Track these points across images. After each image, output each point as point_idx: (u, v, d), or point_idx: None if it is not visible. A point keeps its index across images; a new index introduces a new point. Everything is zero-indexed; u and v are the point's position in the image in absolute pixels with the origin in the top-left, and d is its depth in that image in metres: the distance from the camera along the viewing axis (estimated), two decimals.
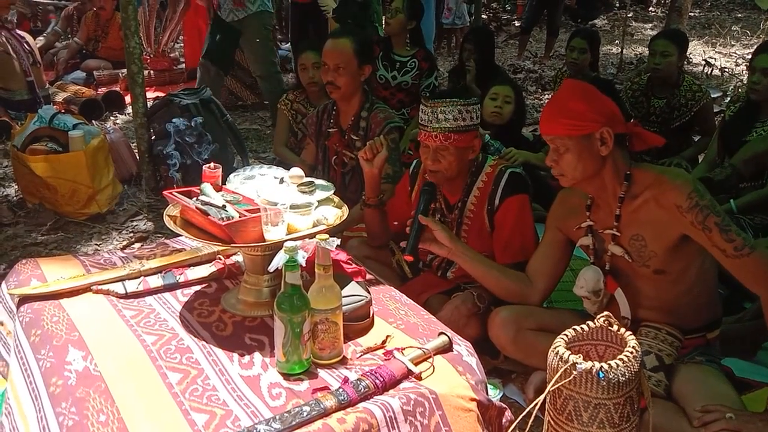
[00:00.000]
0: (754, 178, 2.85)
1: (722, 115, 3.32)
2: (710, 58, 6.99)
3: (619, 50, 7.16)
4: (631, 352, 1.34)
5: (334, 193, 1.85)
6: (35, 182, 3.35)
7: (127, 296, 1.75)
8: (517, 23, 9.39)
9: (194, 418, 1.31)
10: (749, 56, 3.08)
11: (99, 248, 3.14)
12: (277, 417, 1.28)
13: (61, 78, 5.87)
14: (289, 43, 6.91)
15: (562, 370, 1.31)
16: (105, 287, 1.76)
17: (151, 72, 6.07)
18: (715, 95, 5.25)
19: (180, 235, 1.96)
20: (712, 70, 6.57)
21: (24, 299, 1.75)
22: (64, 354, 1.52)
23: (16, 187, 3.69)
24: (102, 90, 5.68)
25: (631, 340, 1.38)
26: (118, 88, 5.70)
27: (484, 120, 3.20)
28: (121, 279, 1.79)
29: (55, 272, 1.86)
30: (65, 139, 3.39)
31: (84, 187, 3.35)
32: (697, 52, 7.45)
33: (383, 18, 4.05)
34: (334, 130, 2.81)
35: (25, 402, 1.50)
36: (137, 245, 3.09)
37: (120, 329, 1.61)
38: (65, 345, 1.54)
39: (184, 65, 6.48)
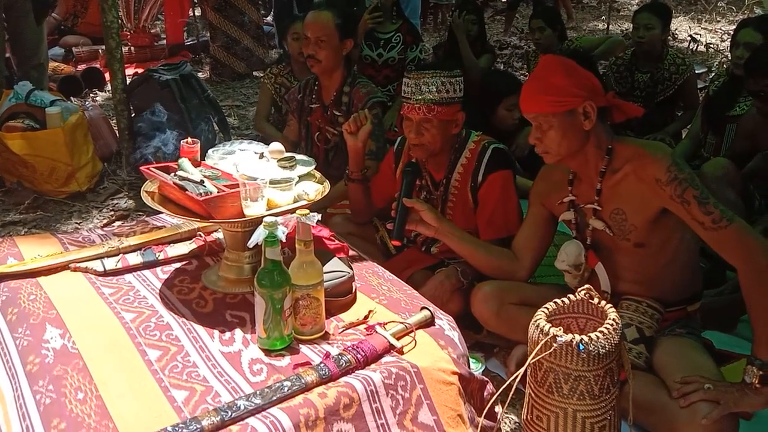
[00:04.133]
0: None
1: (706, 90, 3.32)
2: (696, 33, 6.98)
3: (605, 26, 7.12)
4: (611, 325, 1.35)
5: (316, 169, 1.83)
6: (12, 160, 3.29)
7: (105, 274, 1.73)
8: None
9: (174, 395, 1.30)
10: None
11: (79, 227, 3.10)
12: (258, 392, 1.27)
13: None
14: (271, 17, 6.83)
15: (543, 342, 1.32)
16: (83, 265, 1.74)
17: (132, 48, 5.96)
18: (701, 71, 5.24)
19: (160, 213, 1.94)
20: (698, 46, 6.56)
21: (0, 278, 1.72)
22: (41, 332, 1.50)
23: None
24: (81, 67, 5.57)
25: (612, 313, 1.38)
26: (97, 65, 5.59)
27: (498, 128, 3.14)
28: (99, 257, 1.77)
29: (33, 250, 1.84)
30: (43, 116, 3.32)
31: (63, 165, 3.29)
32: (683, 27, 7.43)
33: None
34: (317, 105, 2.78)
35: (1, 381, 1.47)
36: (118, 223, 3.05)
37: (98, 307, 1.59)
38: (42, 323, 1.52)
39: (165, 41, 6.37)
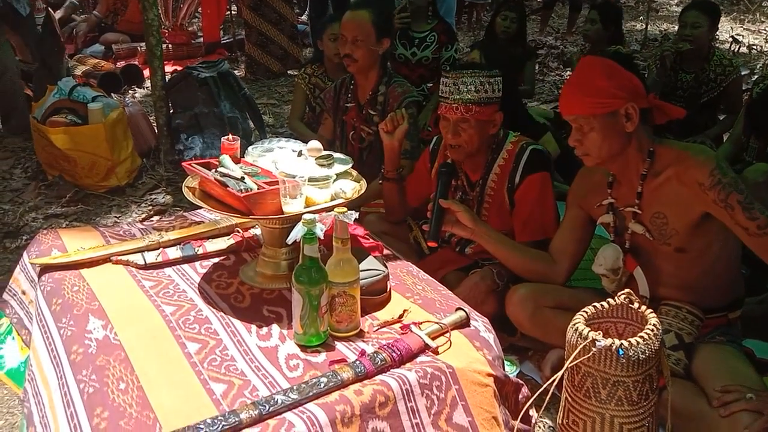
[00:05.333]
0: None
1: (749, 92, 3.23)
2: (738, 35, 6.81)
3: (644, 26, 7.00)
4: (652, 330, 1.33)
5: (351, 167, 1.84)
6: (55, 154, 3.38)
7: (146, 267, 1.76)
8: None
9: (212, 388, 1.32)
10: None
11: (118, 221, 3.17)
12: (295, 387, 1.29)
13: (80, 51, 5.89)
14: (306, 16, 6.87)
15: (581, 346, 1.30)
16: (124, 258, 1.78)
17: (170, 46, 6.06)
18: (743, 73, 5.11)
19: (199, 208, 1.97)
20: (740, 47, 6.40)
21: (45, 269, 1.77)
22: (84, 323, 1.53)
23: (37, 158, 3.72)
24: (121, 63, 5.69)
25: (652, 318, 1.36)
26: (136, 62, 5.70)
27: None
28: (140, 250, 1.80)
29: (76, 243, 1.88)
30: (85, 112, 3.40)
31: (103, 160, 3.37)
32: (725, 28, 7.25)
33: None
34: (352, 104, 2.79)
35: (47, 369, 1.53)
36: (156, 218, 3.12)
37: (139, 299, 1.62)
38: (86, 314, 1.56)
39: (201, 39, 6.46)
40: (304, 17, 7.02)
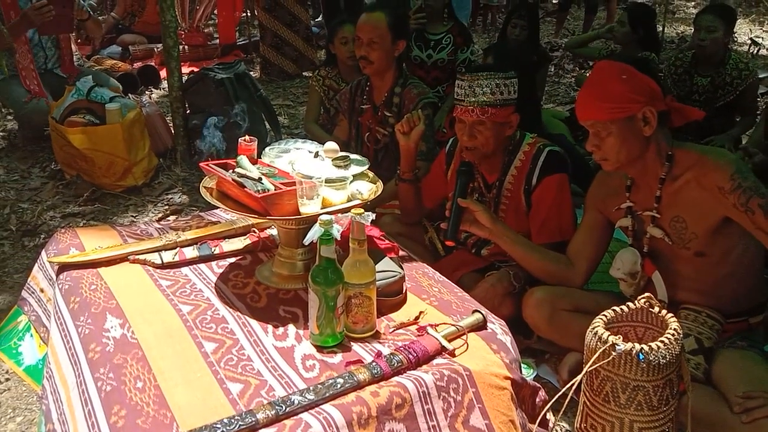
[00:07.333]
0: None
1: None
2: (757, 36, 6.74)
3: (660, 29, 6.94)
4: (673, 335, 1.31)
5: (368, 169, 1.83)
6: (73, 154, 3.41)
7: (163, 266, 1.77)
8: (555, 0, 9.15)
9: (229, 387, 1.32)
10: None
11: (135, 220, 3.19)
12: (311, 388, 1.28)
13: (97, 52, 5.93)
14: (320, 18, 6.89)
15: (601, 350, 1.29)
16: (142, 257, 1.79)
17: (186, 47, 6.09)
18: (762, 75, 5.05)
19: (215, 209, 1.98)
20: (759, 49, 6.32)
21: (63, 267, 1.78)
22: (102, 321, 1.54)
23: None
24: (138, 64, 5.73)
25: (673, 323, 1.34)
26: (153, 63, 5.74)
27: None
28: (157, 249, 1.81)
29: (93, 242, 1.89)
30: (102, 112, 3.43)
31: (120, 160, 3.39)
32: (743, 30, 7.18)
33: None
34: (367, 106, 2.79)
35: (65, 367, 1.53)
36: (172, 218, 3.13)
37: (156, 298, 1.63)
38: (103, 312, 1.57)
39: (218, 41, 6.50)
40: (318, 19, 7.04)
